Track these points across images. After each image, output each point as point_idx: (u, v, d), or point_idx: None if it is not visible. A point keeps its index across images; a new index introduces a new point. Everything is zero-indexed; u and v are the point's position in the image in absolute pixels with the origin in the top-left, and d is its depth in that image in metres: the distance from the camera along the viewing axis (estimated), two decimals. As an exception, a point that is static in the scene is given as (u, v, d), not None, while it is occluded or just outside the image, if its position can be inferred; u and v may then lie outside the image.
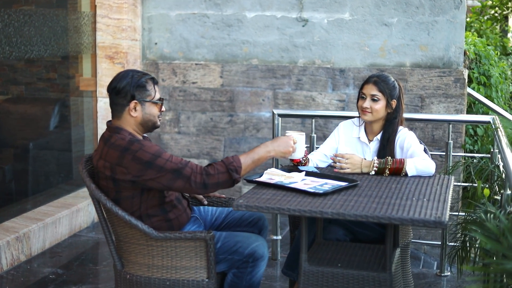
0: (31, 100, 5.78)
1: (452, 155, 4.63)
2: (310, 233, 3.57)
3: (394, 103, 3.65)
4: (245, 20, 5.90)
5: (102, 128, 5.93)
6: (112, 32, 5.84)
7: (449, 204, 2.97)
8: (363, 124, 3.80)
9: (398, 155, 3.65)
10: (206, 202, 3.69)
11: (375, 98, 3.63)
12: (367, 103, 3.64)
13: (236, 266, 3.25)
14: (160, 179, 3.07)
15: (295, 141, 3.33)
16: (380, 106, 3.63)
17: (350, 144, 3.80)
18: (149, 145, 3.12)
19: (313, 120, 4.76)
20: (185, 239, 3.16)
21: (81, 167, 3.28)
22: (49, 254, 4.82)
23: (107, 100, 5.83)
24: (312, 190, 3.10)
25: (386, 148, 3.67)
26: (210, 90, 6.04)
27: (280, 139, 3.32)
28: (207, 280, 3.20)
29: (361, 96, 3.69)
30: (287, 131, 3.42)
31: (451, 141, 4.49)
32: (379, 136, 3.72)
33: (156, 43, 6.12)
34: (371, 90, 3.64)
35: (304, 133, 3.41)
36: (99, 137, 5.78)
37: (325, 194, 3.07)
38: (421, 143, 3.72)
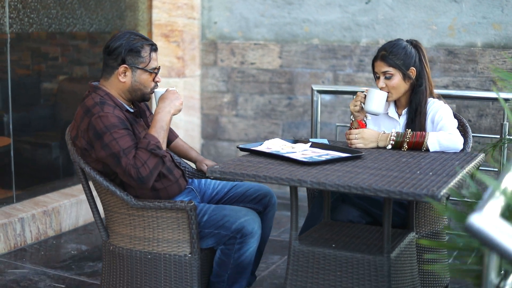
0: (88, 80, 5.70)
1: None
2: (320, 212, 3.20)
3: (413, 71, 3.20)
4: (306, -3, 5.55)
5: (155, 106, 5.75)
6: (168, 10, 5.66)
7: (457, 179, 2.51)
8: (392, 98, 3.37)
9: (429, 130, 3.20)
10: (212, 176, 3.37)
11: (388, 76, 3.19)
12: (381, 83, 3.21)
13: (223, 242, 2.94)
14: (106, 159, 2.82)
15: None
16: (396, 81, 3.19)
17: (378, 121, 3.38)
18: (109, 115, 2.83)
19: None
20: (165, 208, 2.88)
21: (68, 130, 3.07)
22: (81, 231, 4.68)
23: (163, 80, 5.68)
24: (303, 159, 2.73)
25: (415, 121, 3.23)
26: (268, 71, 5.74)
27: (165, 96, 2.95)
28: (189, 255, 2.90)
29: (375, 76, 3.27)
30: None
31: (506, 122, 3.93)
32: (407, 109, 3.29)
33: (215, 22, 5.89)
34: (381, 67, 3.21)
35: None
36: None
37: (315, 163, 2.69)
38: (460, 120, 3.25)
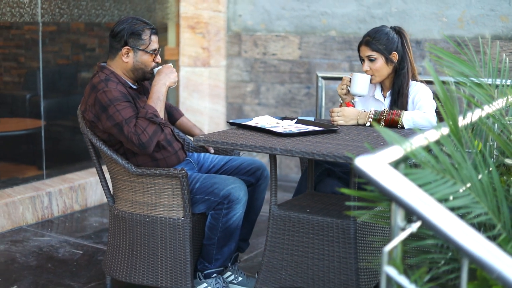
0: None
1: None
2: (304, 184, 3.48)
3: (394, 55, 3.45)
4: (324, -10, 5.82)
5: (183, 96, 6.12)
6: (194, 3, 6.00)
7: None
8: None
9: (410, 110, 3.45)
10: (212, 151, 3.70)
11: (372, 58, 3.46)
12: (366, 66, 3.48)
13: (213, 207, 3.25)
14: (111, 129, 3.17)
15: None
16: (379, 65, 3.45)
17: (366, 104, 3.65)
18: (112, 90, 3.18)
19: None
20: (160, 175, 3.21)
21: (79, 106, 3.43)
22: (105, 206, 5.05)
23: (189, 69, 6.07)
24: (281, 132, 3.03)
25: (397, 102, 3.49)
26: (288, 62, 6.03)
27: (161, 70, 3.29)
28: (182, 218, 3.23)
29: (361, 60, 3.54)
30: None
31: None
32: (391, 91, 3.55)
33: (240, 15, 6.20)
34: (365, 51, 3.48)
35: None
36: (180, 105, 5.99)
37: (290, 134, 2.99)
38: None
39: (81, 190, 4.94)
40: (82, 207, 4.97)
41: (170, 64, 3.38)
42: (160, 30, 6.08)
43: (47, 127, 5.02)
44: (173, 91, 6.25)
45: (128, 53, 3.29)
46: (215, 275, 3.33)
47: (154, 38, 3.33)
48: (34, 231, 4.46)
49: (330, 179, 3.49)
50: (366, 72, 3.47)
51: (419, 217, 1.68)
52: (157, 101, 3.21)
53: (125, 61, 3.30)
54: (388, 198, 1.68)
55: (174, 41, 6.18)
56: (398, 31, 3.51)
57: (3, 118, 5.03)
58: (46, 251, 4.10)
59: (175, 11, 6.07)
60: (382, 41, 3.44)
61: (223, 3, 6.12)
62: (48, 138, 4.99)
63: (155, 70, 3.33)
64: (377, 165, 1.67)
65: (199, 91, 6.08)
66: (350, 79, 3.47)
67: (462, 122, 2.29)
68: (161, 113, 3.21)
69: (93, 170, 5.27)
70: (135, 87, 3.37)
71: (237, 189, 3.23)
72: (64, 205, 4.81)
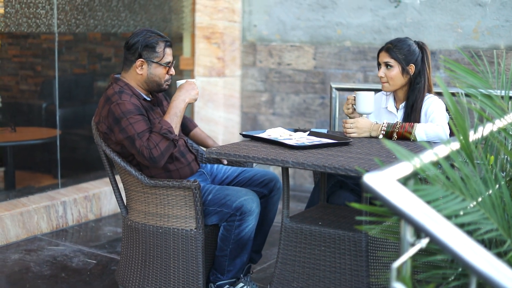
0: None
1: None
2: (316, 196, 3.49)
3: (412, 68, 3.46)
4: (339, 1, 5.83)
5: (199, 105, 6.14)
6: (209, 13, 6.03)
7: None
8: (392, 93, 3.64)
9: (422, 122, 3.45)
10: (225, 162, 3.72)
11: (389, 65, 3.47)
12: (381, 72, 3.50)
13: (225, 219, 3.26)
14: (123, 142, 3.20)
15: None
16: (394, 73, 3.46)
17: (379, 116, 3.66)
18: (126, 102, 3.20)
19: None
20: (173, 187, 3.22)
21: (93, 117, 3.46)
22: (119, 216, 5.07)
23: (204, 79, 6.09)
24: (293, 144, 3.04)
25: (410, 116, 3.49)
26: (303, 72, 6.04)
27: (183, 86, 3.32)
28: (195, 230, 3.24)
29: (378, 66, 3.55)
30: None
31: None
32: (404, 103, 3.55)
33: (255, 25, 6.22)
34: (384, 57, 3.50)
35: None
36: (195, 115, 6.02)
37: (302, 147, 2.99)
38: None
39: (95, 199, 4.97)
40: (96, 216, 5.00)
41: (194, 80, 3.42)
42: (176, 40, 6.13)
43: (63, 136, 5.06)
44: (188, 101, 6.27)
45: (142, 66, 3.32)
46: (227, 286, 3.34)
47: (168, 50, 3.35)
48: (49, 240, 4.49)
49: (342, 191, 3.49)
50: (380, 78, 3.49)
51: (428, 234, 1.68)
52: (174, 117, 3.24)
53: (139, 73, 3.33)
54: (396, 214, 1.69)
55: (189, 51, 6.21)
56: (421, 46, 3.53)
57: (19, 127, 5.08)
58: (60, 261, 4.12)
59: (190, 21, 6.10)
60: (403, 51, 3.46)
61: (238, 13, 6.15)
62: (63, 147, 5.03)
63: (178, 83, 3.35)
64: (385, 182, 1.68)
65: (214, 100, 6.11)
66: (354, 97, 3.48)
67: (473, 136, 2.28)
68: (176, 129, 3.22)
69: (108, 179, 5.30)
70: (149, 99, 3.40)
71: (250, 201, 3.23)
72: (78, 215, 4.84)
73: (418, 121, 3.46)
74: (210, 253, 3.36)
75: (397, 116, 3.57)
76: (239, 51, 6.24)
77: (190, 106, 6.25)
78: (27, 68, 5.13)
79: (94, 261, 4.13)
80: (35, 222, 4.53)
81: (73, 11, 5.00)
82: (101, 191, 5.03)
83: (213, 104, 6.11)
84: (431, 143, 3.22)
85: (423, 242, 1.87)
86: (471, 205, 1.94)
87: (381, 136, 3.34)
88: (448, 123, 3.34)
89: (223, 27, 6.05)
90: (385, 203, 1.66)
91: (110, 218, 5.03)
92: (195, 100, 3.36)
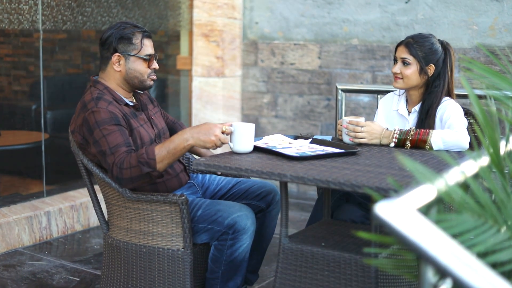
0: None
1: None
2: (319, 210, 3.12)
3: (431, 68, 3.09)
4: (346, -4, 5.46)
5: (196, 107, 5.78)
6: (208, 9, 5.67)
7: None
8: (404, 94, 3.27)
9: (438, 129, 3.07)
10: (219, 173, 3.34)
11: (406, 62, 3.10)
12: (397, 68, 3.13)
13: (217, 237, 2.90)
14: (97, 155, 2.83)
15: (227, 131, 2.71)
16: (411, 72, 3.09)
17: (389, 119, 3.29)
18: (102, 110, 2.81)
19: (379, 96, 4.22)
20: (157, 201, 2.86)
21: (70, 125, 3.10)
22: (109, 226, 4.72)
23: (202, 79, 5.73)
24: (293, 154, 2.67)
25: (424, 121, 3.12)
26: (308, 71, 5.67)
27: (202, 125, 2.74)
28: (182, 250, 2.88)
29: (394, 60, 3.19)
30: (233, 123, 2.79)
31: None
32: (417, 107, 3.18)
33: (256, 22, 5.86)
34: (402, 53, 3.13)
35: (252, 125, 2.75)
36: (194, 117, 5.65)
37: (303, 158, 2.62)
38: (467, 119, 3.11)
39: (83, 209, 4.62)
40: (84, 227, 4.64)
41: (230, 125, 2.74)
42: (172, 38, 5.77)
43: (49, 140, 4.70)
44: (186, 103, 5.93)
45: (119, 61, 2.95)
46: (219, 312, 2.97)
47: (147, 42, 2.98)
48: (30, 254, 4.14)
49: (348, 205, 3.12)
50: (395, 74, 3.12)
51: (455, 278, 1.32)
52: (164, 151, 2.72)
53: (117, 70, 2.96)
54: (417, 254, 1.32)
55: (187, 50, 5.84)
56: (445, 46, 3.16)
57: (2, 130, 4.73)
58: (40, 278, 3.77)
59: (188, 18, 5.74)
60: (424, 48, 3.09)
61: (238, 9, 5.78)
62: (49, 152, 4.67)
63: (234, 126, 2.75)
64: (402, 214, 1.31)
65: (212, 102, 5.74)
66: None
67: (504, 149, 1.91)
68: (163, 164, 2.74)
69: (97, 188, 4.95)
70: (131, 103, 3.03)
71: (244, 217, 2.87)
72: (64, 226, 4.49)
73: (433, 127, 3.09)
74: (200, 275, 3.00)
75: (409, 120, 3.20)
76: (240, 49, 5.87)
77: (187, 108, 5.89)
78: (11, 68, 4.77)
79: (77, 279, 3.78)
80: (16, 234, 4.18)
81: (60, 6, 4.64)
82: (89, 200, 4.65)
83: (212, 106, 5.74)
84: (451, 153, 2.85)
85: (448, 283, 1.51)
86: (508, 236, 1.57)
87: (392, 145, 2.97)
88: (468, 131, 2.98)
89: (222, 24, 5.68)
90: (403, 241, 1.30)
91: (98, 229, 4.67)
92: (204, 147, 2.73)
